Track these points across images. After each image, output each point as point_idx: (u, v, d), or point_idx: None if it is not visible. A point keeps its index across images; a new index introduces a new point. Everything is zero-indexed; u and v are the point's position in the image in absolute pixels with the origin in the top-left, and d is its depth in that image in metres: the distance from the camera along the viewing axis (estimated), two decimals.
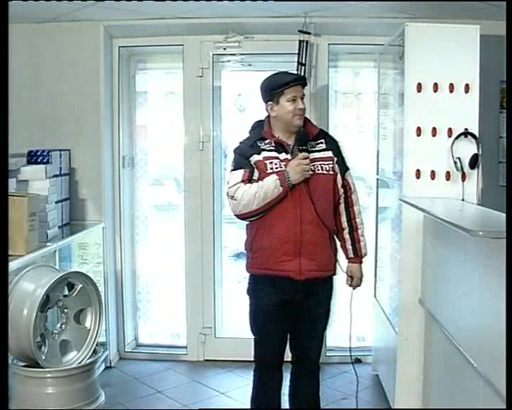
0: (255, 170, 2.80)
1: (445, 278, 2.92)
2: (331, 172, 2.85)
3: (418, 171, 3.25)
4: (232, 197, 2.79)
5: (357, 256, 2.96)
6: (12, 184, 3.37)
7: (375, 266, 4.17)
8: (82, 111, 4.20)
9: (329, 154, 2.88)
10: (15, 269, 3.00)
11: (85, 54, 4.17)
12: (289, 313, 2.86)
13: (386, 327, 3.71)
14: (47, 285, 2.98)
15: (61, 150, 4.03)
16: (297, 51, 4.08)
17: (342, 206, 2.93)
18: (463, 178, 3.19)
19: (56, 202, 3.83)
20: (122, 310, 4.49)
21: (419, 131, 3.23)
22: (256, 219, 2.80)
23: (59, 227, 3.84)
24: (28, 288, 3.00)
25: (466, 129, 3.20)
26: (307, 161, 2.75)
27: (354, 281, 2.99)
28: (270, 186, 2.72)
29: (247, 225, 2.91)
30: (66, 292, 3.25)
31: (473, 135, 3.19)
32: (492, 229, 2.25)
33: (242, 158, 2.84)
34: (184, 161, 4.42)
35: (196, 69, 4.33)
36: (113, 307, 4.40)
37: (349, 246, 2.95)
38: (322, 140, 2.90)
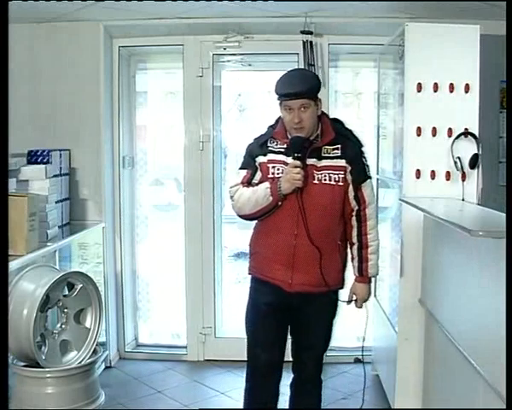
0: (258, 172, 2.71)
1: (445, 278, 2.92)
2: (340, 183, 2.64)
3: (418, 171, 3.25)
4: (231, 197, 2.76)
5: (362, 276, 2.75)
6: (12, 184, 3.37)
7: None
8: (82, 111, 4.20)
9: (342, 162, 2.65)
10: (15, 269, 3.00)
11: (85, 54, 4.17)
12: (282, 321, 2.76)
13: (386, 327, 3.71)
14: (47, 285, 2.99)
15: (61, 150, 4.03)
16: (302, 52, 4.10)
17: (354, 219, 2.71)
18: (463, 178, 3.19)
19: (56, 202, 3.82)
20: (122, 310, 4.49)
21: (419, 131, 3.23)
22: (256, 220, 2.74)
23: (59, 227, 3.84)
24: (28, 288, 3.01)
25: (466, 129, 3.19)
26: (297, 169, 2.56)
27: (357, 301, 2.79)
28: (260, 194, 2.63)
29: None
30: (66, 292, 3.25)
31: (473, 135, 3.19)
32: (492, 229, 2.24)
33: (249, 157, 2.75)
34: (184, 161, 4.42)
35: (196, 69, 4.33)
36: (113, 307, 4.40)
37: (356, 263, 2.75)
38: (339, 145, 2.67)
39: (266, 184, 2.64)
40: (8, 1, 2.09)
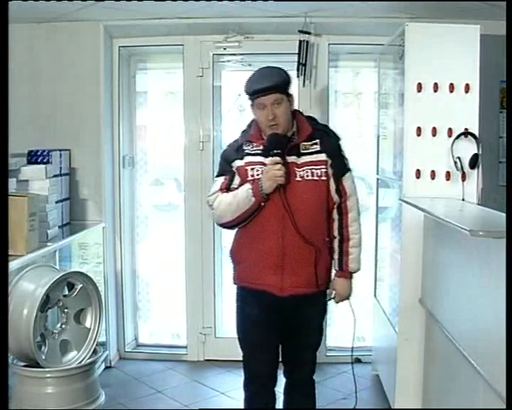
0: (235, 177, 2.62)
1: (445, 278, 2.92)
2: (323, 178, 2.58)
3: (418, 171, 3.25)
4: (211, 206, 2.67)
5: (342, 270, 2.66)
6: (12, 184, 3.37)
7: (375, 266, 4.17)
8: (82, 111, 4.20)
9: (322, 157, 2.59)
10: (15, 269, 3.01)
11: (85, 54, 4.17)
12: (275, 326, 2.67)
13: (386, 327, 3.71)
14: (47, 285, 2.99)
15: (61, 150, 4.03)
16: (297, 51, 4.09)
17: (335, 212, 2.65)
18: (463, 178, 3.19)
19: (56, 202, 3.83)
20: (122, 310, 4.49)
21: (419, 131, 3.23)
22: (237, 227, 2.66)
23: (59, 227, 3.84)
24: (28, 288, 3.01)
25: (466, 129, 3.19)
26: (279, 166, 2.48)
27: (336, 296, 2.71)
28: (242, 196, 2.54)
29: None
30: (66, 292, 3.25)
31: (473, 135, 3.19)
32: (492, 229, 2.24)
33: (225, 163, 2.67)
34: (184, 161, 4.42)
35: (196, 69, 4.33)
36: (113, 307, 4.40)
37: (336, 257, 2.66)
38: (317, 140, 2.61)
39: (247, 186, 2.56)
40: (8, 1, 2.09)
